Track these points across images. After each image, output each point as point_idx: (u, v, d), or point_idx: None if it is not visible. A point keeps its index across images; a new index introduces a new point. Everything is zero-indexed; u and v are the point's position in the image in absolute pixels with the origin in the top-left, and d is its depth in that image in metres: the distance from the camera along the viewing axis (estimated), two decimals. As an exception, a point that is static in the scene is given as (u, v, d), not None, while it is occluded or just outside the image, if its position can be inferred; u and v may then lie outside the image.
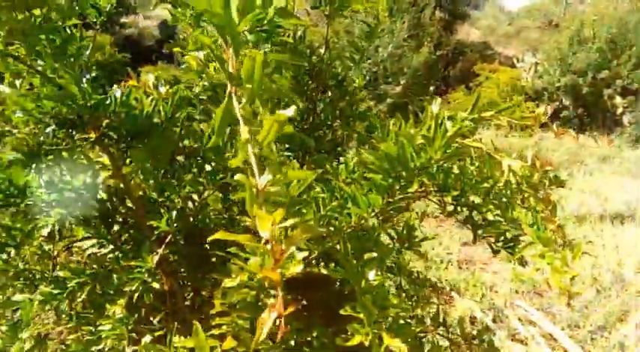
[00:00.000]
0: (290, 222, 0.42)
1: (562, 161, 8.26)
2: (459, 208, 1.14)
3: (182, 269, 1.19)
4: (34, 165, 0.95)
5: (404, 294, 1.40)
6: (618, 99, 11.21)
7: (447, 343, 1.37)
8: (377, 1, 1.20)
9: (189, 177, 1.12)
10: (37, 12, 0.85)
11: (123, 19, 12.06)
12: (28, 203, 0.99)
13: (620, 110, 11.22)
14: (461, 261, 4.44)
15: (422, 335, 1.33)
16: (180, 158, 1.12)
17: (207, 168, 1.09)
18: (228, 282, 0.73)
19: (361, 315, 0.79)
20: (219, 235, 0.45)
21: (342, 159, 1.28)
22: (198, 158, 1.09)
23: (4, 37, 0.84)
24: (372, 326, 0.77)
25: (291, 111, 0.47)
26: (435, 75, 11.22)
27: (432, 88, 10.96)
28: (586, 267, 4.09)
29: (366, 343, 0.73)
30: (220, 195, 1.16)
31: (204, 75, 1.06)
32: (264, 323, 0.43)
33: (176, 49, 1.04)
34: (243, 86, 0.47)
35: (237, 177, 0.45)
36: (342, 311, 0.81)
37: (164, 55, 11.10)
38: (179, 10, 0.99)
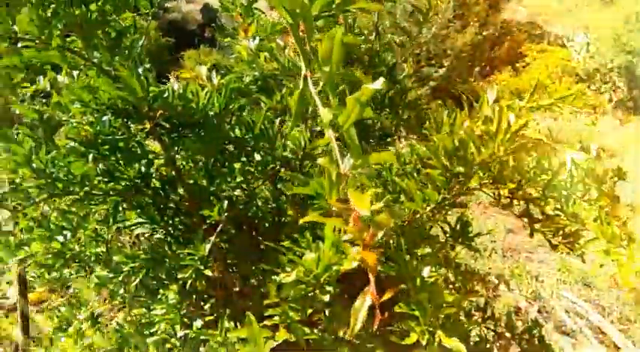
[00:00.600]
0: (378, 205, 0.41)
1: (615, 146, 7.85)
2: (515, 201, 1.09)
3: (231, 257, 1.20)
4: (91, 155, 0.97)
5: (452, 287, 1.37)
6: (677, 81, 10.50)
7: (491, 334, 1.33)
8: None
9: (238, 165, 1.13)
10: (92, 7, 0.86)
11: (167, 4, 12.23)
12: (86, 191, 1.01)
13: (678, 92, 10.52)
14: (505, 249, 4.32)
15: (470, 328, 1.30)
16: (230, 147, 1.13)
17: (257, 157, 1.09)
18: (283, 277, 0.72)
19: (416, 313, 0.77)
20: (311, 217, 0.44)
21: (391, 149, 1.25)
22: (248, 147, 1.09)
23: (62, 31, 0.86)
24: (427, 324, 0.75)
25: (379, 84, 0.43)
26: (481, 56, 10.83)
27: (476, 70, 10.59)
28: (639, 259, 3.89)
29: (423, 342, 0.72)
30: (269, 184, 1.16)
31: (254, 65, 1.05)
32: (358, 311, 0.41)
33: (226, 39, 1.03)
34: (321, 68, 0.45)
35: (321, 161, 0.44)
36: (396, 308, 0.80)
37: (206, 39, 11.21)
38: (230, -1, 0.98)
